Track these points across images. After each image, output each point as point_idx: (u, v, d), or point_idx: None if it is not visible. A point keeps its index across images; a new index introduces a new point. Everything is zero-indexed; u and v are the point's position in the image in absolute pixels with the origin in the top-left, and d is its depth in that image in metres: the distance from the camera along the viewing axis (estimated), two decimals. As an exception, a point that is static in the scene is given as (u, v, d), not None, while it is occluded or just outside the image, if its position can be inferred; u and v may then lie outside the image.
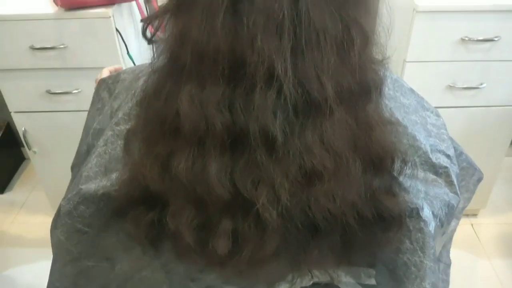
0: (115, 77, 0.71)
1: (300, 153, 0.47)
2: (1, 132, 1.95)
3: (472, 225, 1.84)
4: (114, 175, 0.55)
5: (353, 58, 0.49)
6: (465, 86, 1.44)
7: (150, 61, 0.53)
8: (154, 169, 0.49)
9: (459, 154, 0.74)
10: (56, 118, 1.51)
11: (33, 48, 1.33)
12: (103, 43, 1.33)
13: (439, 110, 1.45)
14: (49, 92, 1.43)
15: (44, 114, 1.50)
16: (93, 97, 0.75)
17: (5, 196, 1.96)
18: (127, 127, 0.57)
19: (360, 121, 0.50)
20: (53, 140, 1.56)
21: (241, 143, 0.47)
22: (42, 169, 1.67)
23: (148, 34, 0.54)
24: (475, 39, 1.34)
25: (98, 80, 0.92)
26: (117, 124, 0.59)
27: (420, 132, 0.63)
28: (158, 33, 0.54)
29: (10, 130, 1.97)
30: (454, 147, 0.72)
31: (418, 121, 0.64)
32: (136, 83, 0.63)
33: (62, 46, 1.33)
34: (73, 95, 1.44)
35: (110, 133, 0.59)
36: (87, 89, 1.41)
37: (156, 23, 0.53)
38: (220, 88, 0.47)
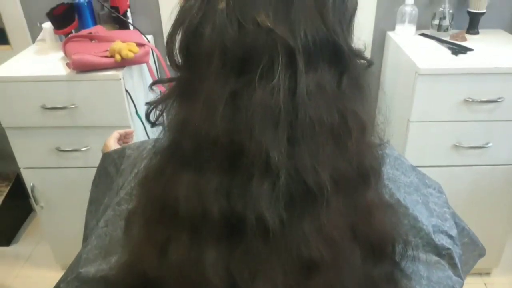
0: (121, 152, 0.72)
1: (297, 243, 0.46)
2: (11, 184, 1.97)
3: (485, 284, 1.78)
4: (113, 258, 0.55)
5: (350, 147, 0.49)
6: (470, 145, 1.44)
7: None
8: (152, 254, 0.49)
9: (461, 229, 0.73)
10: (64, 174, 1.53)
11: (44, 108, 1.37)
12: (113, 103, 1.37)
13: (446, 169, 1.46)
14: (58, 149, 1.46)
15: (53, 170, 1.52)
16: (100, 169, 0.76)
17: (11, 248, 1.95)
18: (129, 207, 0.58)
19: (359, 207, 0.50)
20: (60, 195, 1.57)
21: (238, 231, 0.47)
22: (48, 224, 1.67)
23: (152, 117, 0.56)
24: (479, 100, 1.35)
25: (106, 144, 0.93)
26: (118, 204, 0.60)
27: (422, 212, 0.62)
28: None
29: (20, 182, 1.99)
30: (456, 223, 0.71)
31: (420, 201, 0.64)
32: (140, 162, 0.64)
33: (72, 106, 1.37)
34: (82, 152, 1.46)
35: (111, 213, 0.59)
36: (96, 146, 1.43)
37: (160, 107, 0.55)
38: (218, 176, 0.47)
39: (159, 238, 0.50)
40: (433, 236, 0.61)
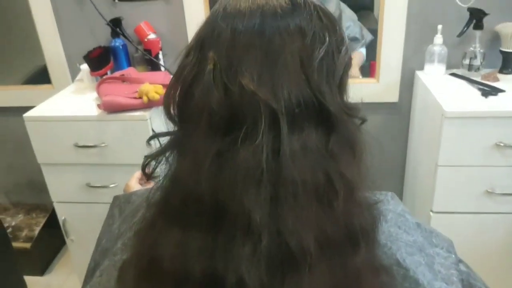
0: (128, 197, 0.75)
1: None
2: (48, 215, 2.06)
3: None
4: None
5: (337, 209, 0.48)
6: (504, 192, 1.36)
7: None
8: None
9: (478, 291, 0.68)
10: (93, 209, 1.58)
11: (77, 146, 1.44)
12: (140, 142, 1.41)
13: (477, 216, 1.39)
14: (88, 185, 1.52)
15: (83, 205, 1.58)
16: (108, 212, 0.78)
17: (44, 278, 2.02)
18: (123, 257, 0.59)
19: (347, 272, 0.48)
20: (89, 229, 1.62)
21: None
22: (78, 256, 1.73)
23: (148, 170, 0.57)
24: (510, 144, 1.29)
25: (128, 184, 0.97)
26: (114, 254, 0.61)
27: (425, 274, 0.59)
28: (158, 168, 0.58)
29: (55, 215, 2.08)
30: (471, 283, 0.67)
31: (423, 262, 0.60)
32: (140, 212, 0.66)
33: (103, 145, 1.43)
34: (110, 189, 1.51)
35: (107, 263, 0.61)
36: (123, 183, 1.48)
37: (156, 160, 0.57)
38: (203, 235, 0.48)
39: None
40: None
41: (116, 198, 0.78)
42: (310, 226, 0.46)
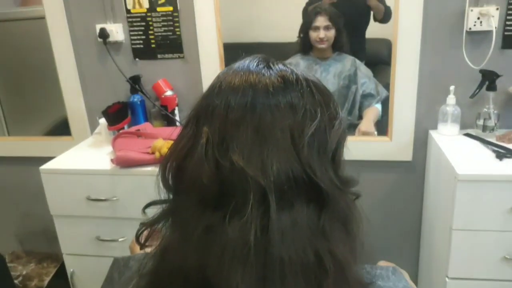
0: (127, 260, 0.75)
1: None
2: (59, 266, 2.06)
3: None
4: None
5: None
6: (524, 258, 1.30)
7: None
8: None
9: None
10: (102, 263, 1.56)
11: (89, 199, 1.46)
12: (151, 197, 1.43)
13: (495, 283, 1.32)
14: (98, 238, 1.53)
15: (92, 258, 1.58)
16: (107, 274, 0.78)
17: (50, 330, 1.98)
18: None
19: None
20: (97, 283, 1.60)
21: None
22: (84, 309, 1.70)
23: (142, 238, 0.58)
24: (529, 209, 1.24)
25: (134, 240, 0.97)
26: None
27: None
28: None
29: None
30: None
31: None
32: (134, 281, 0.66)
33: (114, 199, 1.45)
34: (119, 243, 1.51)
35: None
36: (132, 237, 1.48)
37: (150, 229, 0.57)
38: None
39: None
40: None
41: (116, 260, 0.78)
42: None
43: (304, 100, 0.51)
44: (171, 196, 0.55)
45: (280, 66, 0.54)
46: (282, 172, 0.47)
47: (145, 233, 0.57)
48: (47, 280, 1.97)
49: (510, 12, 1.49)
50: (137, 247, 0.94)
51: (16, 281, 1.94)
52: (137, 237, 0.58)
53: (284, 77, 0.51)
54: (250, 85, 0.50)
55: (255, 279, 0.45)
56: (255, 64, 0.53)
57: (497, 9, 1.47)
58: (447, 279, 1.36)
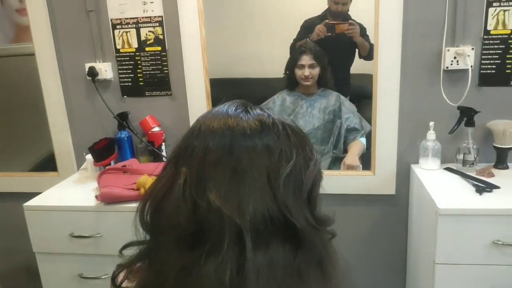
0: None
1: None
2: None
3: None
4: None
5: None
6: (508, 293, 1.31)
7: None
8: None
9: None
10: (84, 301, 1.54)
11: (72, 236, 1.45)
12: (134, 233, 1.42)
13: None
14: (80, 275, 1.50)
15: (74, 297, 1.55)
16: None
17: None
18: None
19: None
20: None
21: None
22: None
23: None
24: (509, 243, 1.26)
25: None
26: None
27: None
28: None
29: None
30: None
31: None
32: None
33: (98, 235, 1.44)
34: (102, 280, 1.49)
35: None
36: (116, 275, 1.46)
37: (127, 270, 0.57)
38: None
39: None
40: None
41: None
42: None
43: (280, 142, 0.53)
44: (148, 237, 0.56)
45: (258, 110, 0.56)
46: (258, 211, 0.49)
47: (121, 274, 0.58)
48: (27, 320, 1.91)
49: (485, 51, 1.56)
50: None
51: (-5, 322, 1.88)
52: (113, 278, 0.58)
53: (261, 121, 0.54)
54: (228, 128, 0.52)
55: None
56: (234, 108, 0.56)
57: (472, 49, 1.54)
58: (433, 314, 1.36)
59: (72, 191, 1.60)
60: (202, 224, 0.49)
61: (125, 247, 0.58)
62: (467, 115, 1.56)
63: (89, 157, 1.71)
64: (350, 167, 1.83)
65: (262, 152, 0.51)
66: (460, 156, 1.57)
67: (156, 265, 0.52)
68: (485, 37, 1.54)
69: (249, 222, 0.48)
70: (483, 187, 1.39)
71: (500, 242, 1.26)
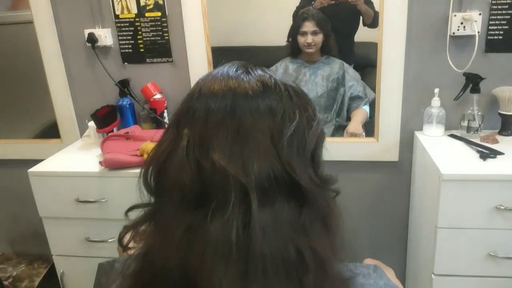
0: (111, 263, 0.75)
1: None
2: (49, 267, 2.05)
3: None
4: None
5: (307, 284, 0.48)
6: (507, 256, 1.32)
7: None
8: None
9: None
10: (91, 263, 1.56)
11: (78, 201, 1.47)
12: (139, 198, 1.43)
13: (480, 279, 1.35)
14: (87, 239, 1.53)
15: (81, 259, 1.58)
16: (95, 281, 0.78)
17: (39, 333, 1.98)
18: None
19: None
20: (86, 284, 1.61)
21: None
22: (74, 311, 1.70)
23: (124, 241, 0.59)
24: (511, 207, 1.27)
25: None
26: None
27: None
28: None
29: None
30: None
31: None
32: (117, 281, 0.66)
33: (103, 200, 1.46)
34: (108, 243, 1.52)
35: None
36: (121, 239, 1.49)
37: (133, 232, 0.58)
38: None
39: None
40: None
41: (101, 265, 0.78)
42: None
43: (283, 102, 0.52)
44: (153, 200, 0.56)
45: (259, 71, 0.55)
46: (262, 171, 0.49)
47: (128, 235, 0.58)
48: (37, 281, 1.97)
49: (493, 17, 1.52)
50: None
51: (6, 282, 1.93)
52: (119, 239, 0.59)
53: (263, 82, 0.53)
54: (229, 89, 0.52)
55: (237, 275, 0.47)
56: (234, 69, 0.55)
57: (480, 14, 1.51)
58: (433, 276, 1.39)
59: (76, 157, 1.60)
60: (206, 184, 0.49)
61: (130, 209, 0.59)
62: (472, 82, 1.54)
63: (91, 124, 1.70)
64: (353, 135, 1.82)
65: (265, 113, 0.51)
66: (465, 123, 1.56)
67: (162, 225, 0.52)
68: (493, 2, 1.50)
69: (254, 181, 0.48)
70: (487, 153, 1.38)
71: (502, 207, 1.27)
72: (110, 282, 0.71)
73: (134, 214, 0.59)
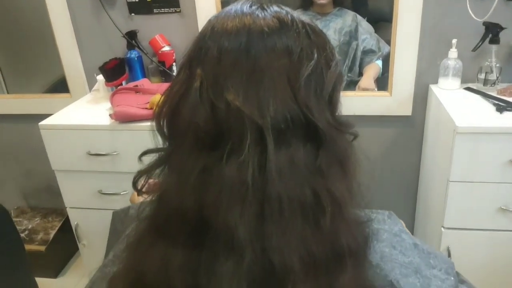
0: (126, 211, 0.76)
1: None
2: (63, 220, 2.10)
3: None
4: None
5: (323, 226, 0.48)
6: (519, 209, 1.32)
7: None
8: None
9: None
10: (104, 216, 1.60)
11: (89, 154, 1.47)
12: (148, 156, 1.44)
13: (491, 233, 1.35)
14: (100, 192, 1.55)
15: (95, 211, 1.61)
16: (110, 228, 0.79)
17: (57, 281, 2.06)
18: (113, 270, 0.60)
19: None
20: (101, 235, 1.64)
21: None
22: (89, 260, 1.76)
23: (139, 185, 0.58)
24: (526, 161, 1.25)
25: (134, 193, 0.98)
26: (105, 266, 0.62)
27: (419, 297, 0.57)
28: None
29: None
30: None
31: (418, 284, 0.59)
32: (132, 225, 0.67)
33: (114, 153, 1.46)
34: (121, 196, 1.54)
35: (98, 274, 0.62)
36: (133, 191, 1.50)
37: (146, 176, 0.57)
38: (187, 251, 0.48)
39: None
40: None
41: (115, 213, 0.79)
42: (295, 244, 0.46)
43: (300, 40, 0.49)
44: (166, 144, 0.55)
45: (275, 7, 0.52)
46: (279, 112, 0.47)
47: (142, 180, 0.58)
48: (52, 233, 2.02)
49: (517, -39, 1.44)
50: (137, 199, 0.95)
51: (22, 235, 1.99)
52: (134, 183, 0.58)
53: (280, 18, 0.50)
54: (244, 27, 0.49)
55: (253, 217, 0.46)
56: (248, 5, 0.52)
57: (504, -43, 1.42)
58: (442, 229, 1.39)
59: (86, 110, 1.60)
60: (221, 125, 0.48)
61: (144, 154, 0.58)
62: (492, 32, 1.48)
63: (100, 77, 1.68)
64: (365, 91, 1.78)
65: (282, 51, 0.48)
66: (482, 75, 1.52)
67: (176, 167, 0.51)
68: None
69: (270, 122, 0.46)
70: (504, 106, 1.35)
71: (516, 161, 1.26)
72: (125, 227, 0.72)
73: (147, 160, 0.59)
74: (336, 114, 0.54)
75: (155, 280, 0.48)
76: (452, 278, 0.64)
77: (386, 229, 0.63)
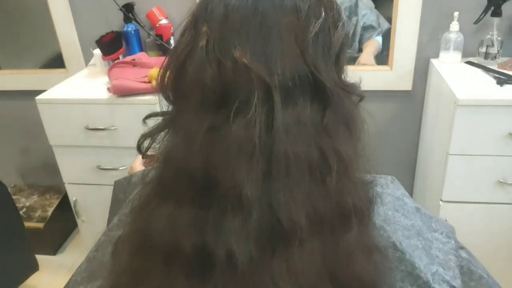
0: (129, 179, 0.75)
1: (266, 283, 0.45)
2: (61, 197, 2.10)
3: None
4: (97, 283, 0.56)
5: (330, 185, 0.47)
6: (517, 182, 1.33)
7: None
8: (129, 284, 0.50)
9: (479, 278, 0.66)
10: (103, 191, 1.60)
11: (87, 128, 1.46)
12: (149, 125, 1.42)
13: (488, 206, 1.36)
14: (99, 167, 1.55)
15: (93, 187, 1.61)
16: (112, 198, 0.79)
17: (56, 258, 2.06)
18: (119, 233, 0.60)
19: (339, 250, 0.48)
20: (100, 210, 1.65)
21: (210, 267, 0.47)
22: (88, 236, 1.76)
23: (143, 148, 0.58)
24: (525, 134, 1.26)
25: (132, 166, 0.97)
26: (110, 229, 0.62)
27: (421, 258, 0.58)
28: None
29: (68, 196, 2.12)
30: (472, 270, 0.65)
31: (420, 246, 0.59)
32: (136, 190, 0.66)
33: (112, 128, 1.45)
34: (120, 171, 1.53)
35: (103, 238, 0.62)
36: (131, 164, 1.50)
37: (151, 139, 0.57)
38: (194, 209, 0.48)
39: (137, 269, 0.51)
40: (432, 285, 0.56)
41: (117, 182, 0.78)
42: (301, 201, 0.46)
43: None
44: (171, 108, 0.54)
45: None
46: (286, 70, 0.46)
47: (145, 143, 0.57)
48: (50, 210, 2.02)
49: None
50: (137, 169, 0.95)
51: (20, 212, 1.99)
52: (138, 147, 0.58)
53: None
54: None
55: (260, 175, 0.46)
56: None
57: None
58: (440, 202, 1.40)
59: (83, 85, 1.58)
60: (228, 83, 0.47)
61: (148, 116, 0.57)
62: (494, 4, 1.46)
63: (97, 52, 1.66)
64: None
65: (289, 9, 0.47)
66: (483, 49, 1.51)
67: (182, 127, 0.50)
68: None
69: (278, 80, 0.46)
70: (504, 79, 1.34)
71: (516, 133, 1.26)
72: (128, 195, 0.72)
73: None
74: (342, 76, 0.53)
75: (162, 240, 0.48)
76: (453, 242, 0.65)
77: (389, 193, 0.64)
